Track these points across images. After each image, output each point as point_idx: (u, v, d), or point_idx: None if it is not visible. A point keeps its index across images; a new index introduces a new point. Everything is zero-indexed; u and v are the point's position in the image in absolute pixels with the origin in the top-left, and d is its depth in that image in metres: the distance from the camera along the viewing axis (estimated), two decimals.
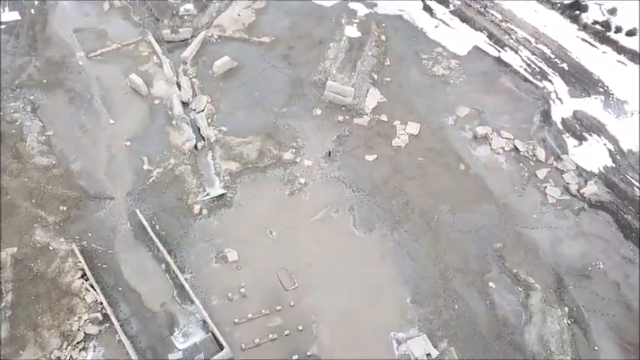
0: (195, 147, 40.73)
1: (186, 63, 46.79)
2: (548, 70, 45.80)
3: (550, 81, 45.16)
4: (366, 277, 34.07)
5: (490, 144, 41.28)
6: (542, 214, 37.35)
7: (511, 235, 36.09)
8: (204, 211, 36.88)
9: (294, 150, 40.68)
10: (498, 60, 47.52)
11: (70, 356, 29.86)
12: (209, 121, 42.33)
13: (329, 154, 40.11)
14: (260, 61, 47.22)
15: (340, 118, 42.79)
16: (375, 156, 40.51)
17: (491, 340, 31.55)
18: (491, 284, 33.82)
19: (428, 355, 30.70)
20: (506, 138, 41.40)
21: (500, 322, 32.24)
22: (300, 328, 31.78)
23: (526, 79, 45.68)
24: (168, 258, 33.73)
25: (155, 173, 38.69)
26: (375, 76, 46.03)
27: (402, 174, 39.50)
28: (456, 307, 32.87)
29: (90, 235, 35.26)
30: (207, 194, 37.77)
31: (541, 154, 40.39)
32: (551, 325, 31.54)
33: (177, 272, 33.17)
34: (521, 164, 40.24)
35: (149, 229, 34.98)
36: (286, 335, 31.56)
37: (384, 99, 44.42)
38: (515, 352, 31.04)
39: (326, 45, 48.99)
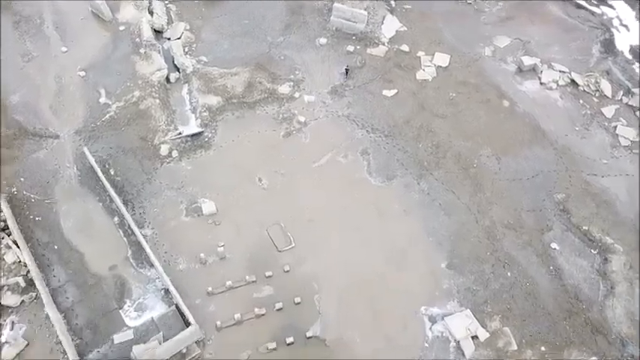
0: (168, 79, 32.29)
1: None
2: None
3: (610, 6, 36.56)
4: (385, 236, 25.68)
5: (539, 77, 32.68)
6: (614, 158, 28.79)
7: (576, 185, 27.53)
8: (175, 153, 28.49)
9: (291, 83, 32.20)
10: None
11: None
12: (186, 50, 33.85)
13: (346, 73, 32.32)
14: None
15: (350, 47, 34.27)
16: (395, 91, 32.00)
17: (560, 318, 23.04)
18: (554, 245, 25.30)
19: (474, 337, 22.18)
20: (560, 71, 32.80)
21: (570, 294, 23.74)
22: (298, 300, 23.41)
23: (579, 6, 37.04)
24: (122, 208, 25.33)
25: (114, 107, 30.25)
26: (393, 3, 37.48)
27: (430, 112, 30.98)
28: (509, 274, 24.37)
29: (23, 180, 26.90)
30: (180, 133, 29.37)
31: (607, 88, 31.76)
32: None
33: (134, 226, 24.76)
34: (581, 101, 31.63)
35: (99, 173, 26.58)
36: (278, 310, 23.20)
37: (404, 27, 35.84)
38: (595, 334, 22.55)
39: None
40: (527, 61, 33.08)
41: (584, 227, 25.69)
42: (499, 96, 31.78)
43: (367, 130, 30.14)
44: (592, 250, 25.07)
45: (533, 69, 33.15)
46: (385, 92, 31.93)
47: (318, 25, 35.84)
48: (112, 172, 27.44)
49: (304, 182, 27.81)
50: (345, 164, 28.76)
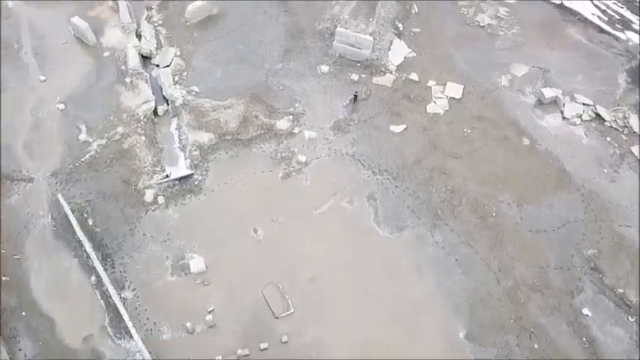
0: (155, 112, 29.56)
1: (151, 9, 35.57)
2: (633, 18, 34.53)
3: (635, 31, 33.86)
4: (395, 299, 22.91)
5: (562, 111, 29.97)
6: None
7: (608, 237, 24.74)
8: (161, 200, 25.71)
9: (290, 117, 29.46)
10: (561, 7, 36.14)
11: None
12: (176, 79, 31.11)
13: (354, 99, 29.73)
14: (249, 7, 35.88)
15: (354, 76, 31.51)
16: (404, 126, 29.25)
17: None
18: (585, 311, 22.51)
19: None
20: (584, 104, 30.08)
21: None
22: None
23: (602, 30, 34.34)
24: (100, 268, 22.54)
25: (95, 146, 27.49)
26: (401, 26, 34.74)
27: (443, 150, 28.21)
28: (536, 346, 21.58)
29: None
30: (167, 176, 26.61)
31: (636, 124, 29.05)
32: None
33: (112, 290, 21.97)
34: (608, 138, 28.89)
35: (75, 225, 23.81)
36: None
37: (412, 53, 33.10)
38: None
39: None
40: (548, 92, 30.32)
41: (619, 290, 22.91)
42: (518, 133, 29.02)
43: (374, 172, 27.37)
44: (629, 317, 22.30)
45: (555, 101, 30.44)
46: (393, 128, 29.19)
47: (319, 51, 33.10)
48: (91, 222, 24.67)
49: (304, 232, 25.02)
50: (350, 211, 25.99)
